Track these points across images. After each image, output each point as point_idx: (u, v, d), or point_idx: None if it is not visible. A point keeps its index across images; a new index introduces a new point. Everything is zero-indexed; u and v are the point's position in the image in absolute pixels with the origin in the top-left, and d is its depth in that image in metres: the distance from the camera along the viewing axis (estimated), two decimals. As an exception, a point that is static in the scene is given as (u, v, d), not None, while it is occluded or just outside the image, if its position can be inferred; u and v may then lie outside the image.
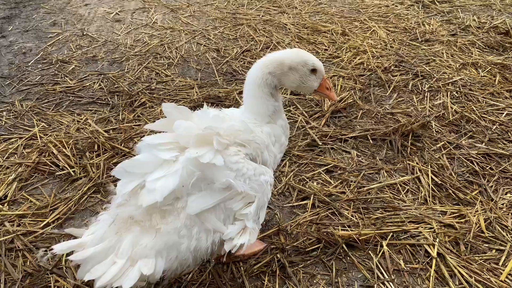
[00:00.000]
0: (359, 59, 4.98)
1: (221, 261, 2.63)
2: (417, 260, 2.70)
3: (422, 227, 2.88)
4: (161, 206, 1.98)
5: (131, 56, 5.16)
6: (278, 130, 2.49)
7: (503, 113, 3.98)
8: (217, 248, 2.15)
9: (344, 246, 2.77)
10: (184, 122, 2.12)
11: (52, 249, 1.88)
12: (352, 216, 3.00)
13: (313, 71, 2.36)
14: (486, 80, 4.49)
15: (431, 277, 2.58)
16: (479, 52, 5.03)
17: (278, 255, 2.69)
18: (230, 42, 5.45)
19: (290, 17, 6.16)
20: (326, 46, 5.31)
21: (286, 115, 4.09)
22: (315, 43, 5.39)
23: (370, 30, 5.68)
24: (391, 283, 2.55)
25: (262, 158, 2.34)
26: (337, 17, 6.09)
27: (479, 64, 4.75)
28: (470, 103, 4.15)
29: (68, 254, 1.89)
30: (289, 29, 5.76)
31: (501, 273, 2.59)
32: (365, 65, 4.88)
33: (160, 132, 2.21)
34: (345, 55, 5.09)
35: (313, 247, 2.76)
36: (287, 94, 4.40)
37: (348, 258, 2.73)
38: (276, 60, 2.31)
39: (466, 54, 5.00)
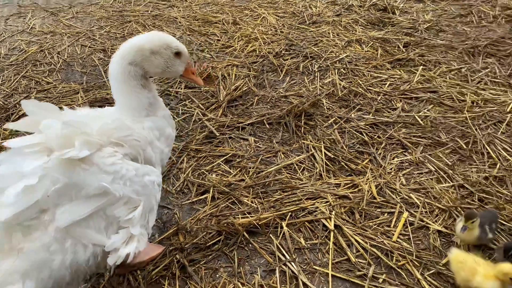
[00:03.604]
0: (251, 47, 4.98)
1: (116, 273, 2.45)
2: (316, 236, 2.74)
3: (318, 202, 2.93)
4: (22, 222, 1.76)
5: (6, 66, 4.66)
6: (160, 122, 2.35)
7: (386, 83, 4.21)
8: (101, 259, 1.97)
9: (245, 234, 2.73)
10: (53, 122, 1.90)
11: None
12: (252, 202, 2.96)
13: (177, 54, 2.25)
14: (370, 54, 4.72)
15: (330, 250, 2.63)
16: (362, 29, 5.29)
17: (178, 256, 2.57)
18: (117, 41, 5.16)
19: (180, 10, 6.00)
20: (218, 37, 5.24)
21: (181, 109, 4.00)
22: (207, 34, 5.30)
23: (260, 17, 5.71)
24: (292, 263, 2.55)
25: (145, 156, 2.19)
26: (227, 7, 6.04)
27: (362, 41, 4.99)
28: (357, 77, 4.34)
29: None
30: (180, 22, 5.60)
31: (393, 235, 2.72)
32: (257, 52, 4.89)
33: (26, 133, 1.98)
34: (237, 44, 5.06)
35: (214, 241, 2.68)
36: (181, 88, 4.26)
37: (250, 245, 2.69)
38: (135, 47, 2.16)
39: (351, 32, 5.22)
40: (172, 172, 3.27)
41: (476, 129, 3.55)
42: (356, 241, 2.68)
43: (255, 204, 2.94)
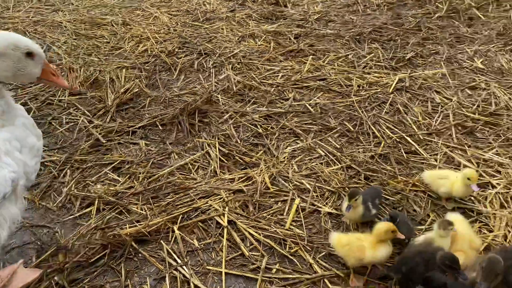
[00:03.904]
0: (142, 47, 4.77)
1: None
2: (210, 235, 2.65)
3: (211, 200, 2.84)
4: None
5: None
6: (20, 131, 2.10)
7: (279, 75, 4.25)
8: None
9: (133, 244, 2.56)
10: None
11: None
12: (141, 209, 2.80)
13: (29, 55, 2.02)
14: (263, 48, 4.75)
15: (224, 247, 2.56)
16: (256, 23, 5.31)
17: (56, 278, 2.33)
18: (-9, 51, 4.66)
19: (65, 14, 5.59)
20: (107, 39, 4.95)
21: (65, 118, 3.69)
22: (95, 37, 4.99)
23: (152, 16, 5.51)
24: (184, 267, 2.44)
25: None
26: (117, 8, 5.75)
27: (256, 35, 5.00)
28: (251, 71, 4.33)
29: None
30: (65, 26, 5.22)
31: (286, 223, 2.71)
32: (149, 51, 4.69)
33: None
34: (127, 45, 4.82)
35: (98, 256, 2.48)
36: (65, 96, 3.95)
37: (139, 255, 2.52)
38: None
39: (244, 27, 5.22)
40: (53, 188, 2.99)
41: (362, 112, 3.70)
42: (250, 234, 2.63)
43: (145, 211, 2.77)
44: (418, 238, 2.40)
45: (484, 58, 4.40)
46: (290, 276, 2.39)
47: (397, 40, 4.76)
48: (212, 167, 3.15)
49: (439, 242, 2.28)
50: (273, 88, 4.07)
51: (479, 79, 4.05)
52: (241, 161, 3.21)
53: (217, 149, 3.29)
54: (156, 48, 4.73)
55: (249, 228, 2.66)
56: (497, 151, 3.22)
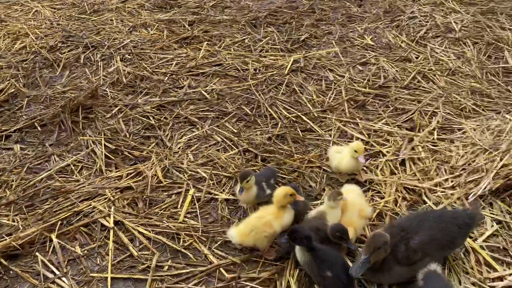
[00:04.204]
0: (20, 44, 4.30)
1: None
2: (94, 239, 2.40)
3: (95, 202, 2.58)
4: None
5: None
6: None
7: (173, 63, 4.04)
8: None
9: (2, 260, 2.23)
10: None
11: None
12: (13, 221, 2.46)
13: None
14: (156, 37, 4.50)
15: (110, 251, 2.32)
16: (148, 13, 5.03)
17: None
18: None
19: None
20: (-23, 37, 4.39)
21: None
22: (-37, 37, 4.40)
23: (32, 11, 5.00)
24: (63, 278, 2.17)
25: None
26: (-10, 3, 5.15)
27: (148, 24, 4.74)
28: (142, 61, 4.07)
29: None
30: None
31: (180, 215, 2.54)
32: (28, 48, 4.24)
33: None
34: (2, 42, 4.31)
35: (-43, 280, 2.13)
36: None
37: (10, 272, 2.21)
38: None
39: (136, 17, 4.92)
40: None
41: (259, 94, 3.63)
42: (140, 232, 2.42)
43: (17, 222, 2.44)
44: (310, 212, 2.36)
45: (373, 35, 4.56)
46: (183, 271, 2.22)
47: (292, 23, 4.77)
48: (98, 165, 2.88)
49: (330, 213, 2.25)
50: (167, 77, 3.86)
51: (369, 55, 4.17)
52: (130, 156, 2.98)
53: (103, 145, 3.02)
54: (36, 44, 4.29)
55: (138, 226, 2.45)
56: (386, 121, 3.32)
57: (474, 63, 3.98)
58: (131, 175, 2.81)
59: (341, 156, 2.71)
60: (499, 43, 4.24)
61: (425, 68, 3.93)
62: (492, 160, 2.75)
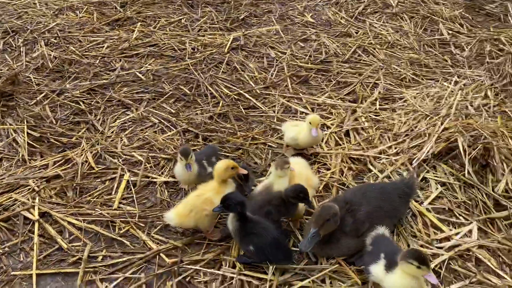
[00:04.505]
0: None
1: None
2: (16, 234, 2.14)
3: (17, 193, 2.31)
4: None
5: None
6: None
7: (104, 46, 3.76)
8: None
9: None
10: None
11: None
12: None
13: None
14: (85, 19, 4.18)
15: (35, 245, 2.07)
16: (75, -5, 4.67)
17: None
18: None
19: None
20: None
21: None
22: None
23: None
24: (-22, 280, 1.91)
25: None
26: None
27: (76, 7, 4.39)
28: (71, 45, 3.75)
29: None
30: None
31: (114, 202, 2.33)
32: None
33: None
34: None
35: None
36: None
37: None
38: None
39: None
40: None
41: (199, 74, 3.45)
42: (70, 223, 2.19)
43: None
44: (256, 188, 2.24)
45: (313, 12, 4.50)
46: (120, 260, 2.03)
47: (231, 2, 4.61)
48: (20, 155, 2.59)
49: (277, 182, 2.14)
50: (98, 60, 3.58)
51: (310, 32, 4.11)
52: (58, 143, 2.71)
53: (26, 133, 2.73)
54: None
55: (67, 217, 2.22)
56: (329, 95, 3.26)
57: (411, 36, 4.04)
58: (59, 163, 2.55)
59: (298, 129, 2.59)
60: (434, 17, 4.33)
61: (365, 42, 3.92)
62: (434, 125, 2.77)
